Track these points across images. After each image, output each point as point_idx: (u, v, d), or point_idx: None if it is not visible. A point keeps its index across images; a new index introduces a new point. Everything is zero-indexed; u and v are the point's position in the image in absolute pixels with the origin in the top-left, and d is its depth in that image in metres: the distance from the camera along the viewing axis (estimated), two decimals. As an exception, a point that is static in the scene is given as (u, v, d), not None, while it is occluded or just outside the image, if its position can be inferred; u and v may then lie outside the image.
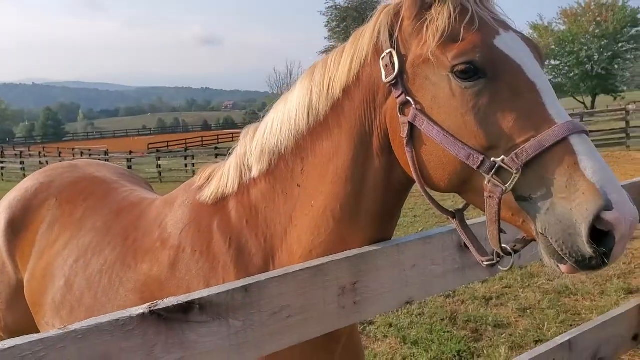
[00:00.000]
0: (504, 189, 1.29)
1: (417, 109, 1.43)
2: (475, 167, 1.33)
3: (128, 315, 1.12)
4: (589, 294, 6.11)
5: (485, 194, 1.33)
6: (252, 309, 1.29)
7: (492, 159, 1.31)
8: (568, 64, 54.60)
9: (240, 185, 1.85)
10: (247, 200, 1.82)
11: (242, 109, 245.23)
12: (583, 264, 1.24)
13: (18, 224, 2.63)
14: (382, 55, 1.52)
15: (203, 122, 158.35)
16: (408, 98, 1.45)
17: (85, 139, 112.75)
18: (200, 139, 68.03)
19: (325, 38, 68.59)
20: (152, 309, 1.15)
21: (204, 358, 1.23)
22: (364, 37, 1.60)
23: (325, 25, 67.36)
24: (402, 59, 1.49)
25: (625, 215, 1.18)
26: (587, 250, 1.21)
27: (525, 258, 1.86)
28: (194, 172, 31.37)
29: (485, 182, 1.32)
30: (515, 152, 1.28)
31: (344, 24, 64.16)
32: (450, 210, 1.58)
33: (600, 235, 1.20)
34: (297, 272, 1.37)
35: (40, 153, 45.23)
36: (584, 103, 56.11)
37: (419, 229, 9.42)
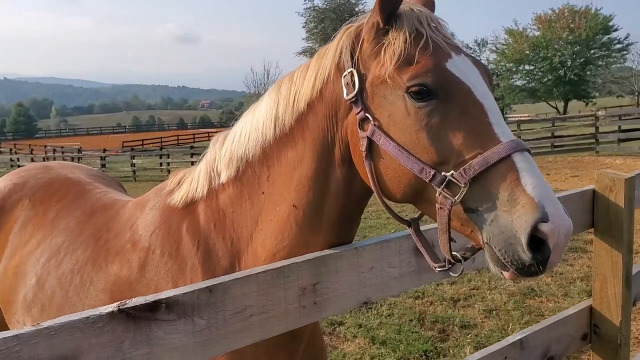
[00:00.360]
0: (453, 201, 1.40)
1: (375, 125, 1.53)
2: (427, 181, 1.43)
3: (98, 313, 1.20)
4: (553, 295, 6.29)
5: (437, 206, 1.43)
6: (216, 308, 1.37)
7: (443, 173, 1.41)
8: (542, 69, 55.45)
9: (209, 190, 1.93)
10: (216, 204, 1.90)
11: (218, 108, 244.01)
12: (523, 271, 1.35)
13: None
14: (344, 74, 1.61)
15: (179, 121, 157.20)
16: (367, 115, 1.54)
17: (58, 136, 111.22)
18: (176, 137, 67.56)
19: (303, 39, 68.66)
20: (120, 307, 1.23)
21: (170, 354, 1.31)
22: (328, 55, 1.69)
23: (303, 26, 67.43)
24: (362, 78, 1.59)
25: (560, 227, 1.29)
26: (526, 258, 1.31)
27: (475, 265, 1.97)
28: (169, 171, 31.12)
29: (437, 195, 1.43)
30: (463, 167, 1.39)
31: (322, 25, 64.33)
32: (406, 219, 1.68)
33: (539, 244, 1.31)
34: (259, 274, 1.46)
35: (11, 150, 44.51)
36: (556, 108, 57.04)
37: (392, 231, 9.56)
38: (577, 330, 2.51)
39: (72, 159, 32.23)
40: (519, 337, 2.26)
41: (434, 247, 1.66)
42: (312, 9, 66.30)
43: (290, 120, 1.74)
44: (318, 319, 1.66)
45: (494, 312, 5.90)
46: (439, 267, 1.59)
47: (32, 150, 44.41)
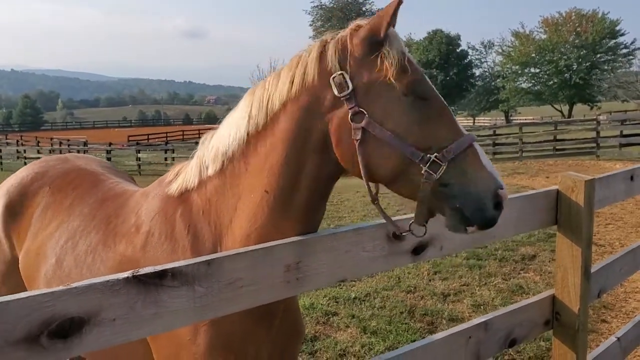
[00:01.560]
0: (435, 176, 1.78)
1: (369, 118, 1.85)
2: (417, 161, 1.79)
3: (116, 278, 1.47)
4: (539, 293, 6.54)
5: (422, 180, 1.79)
6: (212, 278, 1.65)
7: (428, 155, 1.79)
8: (547, 73, 55.56)
9: (199, 182, 2.21)
10: (204, 194, 2.18)
11: (224, 104, 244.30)
12: (488, 224, 1.81)
13: (15, 208, 2.97)
14: (333, 76, 1.90)
15: (185, 116, 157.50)
16: (361, 109, 1.86)
17: (64, 129, 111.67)
18: (181, 132, 67.82)
19: (310, 37, 68.84)
20: (134, 274, 1.50)
21: (173, 315, 1.58)
22: (310, 62, 1.97)
23: (310, 25, 67.71)
24: (353, 80, 1.89)
25: (506, 192, 1.84)
26: (492, 215, 1.80)
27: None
28: (173, 166, 31.44)
29: (422, 172, 1.79)
30: (443, 151, 1.79)
31: (329, 23, 64.60)
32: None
33: (498, 204, 1.81)
34: (250, 251, 1.73)
35: (18, 142, 44.87)
36: (561, 111, 57.15)
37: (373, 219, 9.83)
38: (540, 317, 2.77)
39: (78, 152, 32.57)
40: (483, 320, 2.53)
41: (404, 236, 2.00)
42: (319, 7, 66.55)
43: (264, 118, 2.02)
44: (300, 292, 1.93)
45: (481, 307, 6.16)
46: (405, 232, 1.96)
47: (38, 142, 44.78)
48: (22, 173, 3.14)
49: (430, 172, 1.78)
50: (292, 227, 1.98)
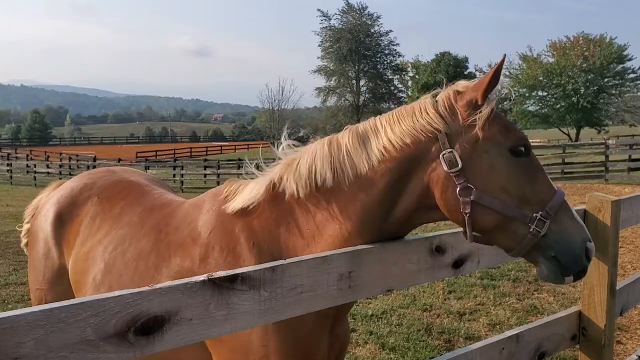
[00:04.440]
0: (542, 232, 1.93)
1: (477, 191, 1.96)
2: (526, 221, 1.93)
3: (194, 281, 1.60)
4: (553, 313, 6.62)
5: (529, 236, 1.94)
6: (276, 284, 1.77)
7: (534, 214, 1.93)
8: (555, 96, 55.64)
9: (268, 202, 2.29)
10: (271, 215, 2.27)
11: (231, 122, 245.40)
12: (580, 273, 1.98)
13: (65, 217, 3.12)
14: (443, 153, 2.00)
15: (192, 133, 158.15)
16: (469, 185, 1.97)
17: (72, 144, 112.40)
18: (189, 149, 68.24)
19: (318, 57, 69.48)
20: (209, 277, 1.63)
21: (241, 316, 1.70)
22: (419, 120, 2.08)
23: (319, 45, 68.31)
24: (461, 156, 2.00)
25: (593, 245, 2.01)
26: (585, 263, 1.96)
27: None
28: (182, 182, 31.75)
29: (531, 229, 1.93)
30: (546, 208, 1.94)
31: (337, 44, 65.18)
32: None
33: (588, 255, 1.98)
34: (309, 260, 1.86)
35: (27, 156, 45.25)
36: (568, 135, 57.17)
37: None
38: (568, 331, 2.88)
39: (88, 167, 32.85)
40: (515, 332, 2.64)
41: (445, 250, 2.11)
42: (328, 28, 67.17)
43: (370, 165, 2.12)
44: (352, 300, 2.05)
45: (497, 326, 6.24)
46: None
47: (47, 157, 45.18)
48: (72, 184, 3.30)
49: (538, 229, 1.92)
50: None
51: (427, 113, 2.07)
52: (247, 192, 2.36)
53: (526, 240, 1.94)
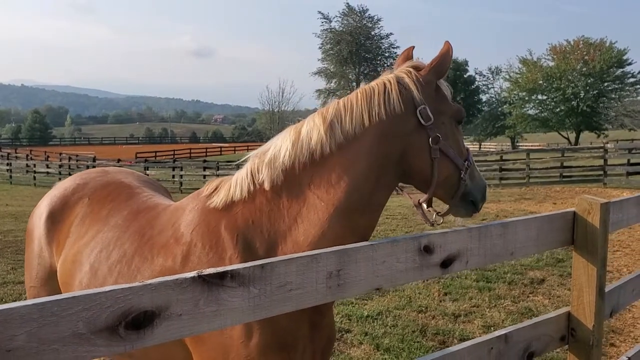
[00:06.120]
0: (466, 180, 2.45)
1: (442, 140, 2.38)
2: (462, 169, 2.42)
3: (184, 277, 1.64)
4: (548, 315, 6.66)
5: (462, 181, 2.43)
6: (265, 281, 1.80)
7: (465, 162, 2.45)
8: (554, 100, 55.70)
9: (248, 194, 2.38)
10: (254, 205, 2.36)
11: (231, 124, 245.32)
12: (480, 207, 2.53)
13: (57, 217, 3.14)
14: (419, 109, 2.35)
15: (191, 134, 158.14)
16: (437, 134, 2.36)
17: (72, 144, 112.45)
18: (188, 150, 68.26)
19: (319, 60, 69.52)
20: (199, 274, 1.67)
21: (231, 312, 1.73)
22: (393, 95, 2.35)
23: (320, 47, 68.36)
24: (432, 112, 2.37)
25: None
26: (486, 197, 2.56)
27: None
28: (181, 183, 31.80)
29: (463, 175, 2.43)
30: (467, 162, 2.45)
31: (338, 47, 65.24)
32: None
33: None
34: (298, 258, 1.89)
35: (27, 156, 45.30)
36: (568, 138, 57.24)
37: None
38: (557, 332, 2.91)
39: (87, 167, 32.88)
40: (504, 332, 2.67)
41: (434, 250, 2.20)
42: (329, 31, 67.22)
43: (344, 139, 2.32)
44: (340, 298, 2.09)
45: (492, 328, 6.28)
46: (431, 222, 2.55)
47: (47, 157, 45.21)
48: (66, 184, 3.32)
49: (464, 178, 2.43)
50: (369, 225, 2.39)
51: (402, 84, 2.39)
52: (228, 187, 2.44)
53: (460, 188, 2.42)
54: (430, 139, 2.35)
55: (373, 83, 2.44)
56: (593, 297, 2.84)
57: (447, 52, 2.44)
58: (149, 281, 1.58)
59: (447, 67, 2.46)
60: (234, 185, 2.43)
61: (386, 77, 2.44)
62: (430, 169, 2.37)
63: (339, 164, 2.29)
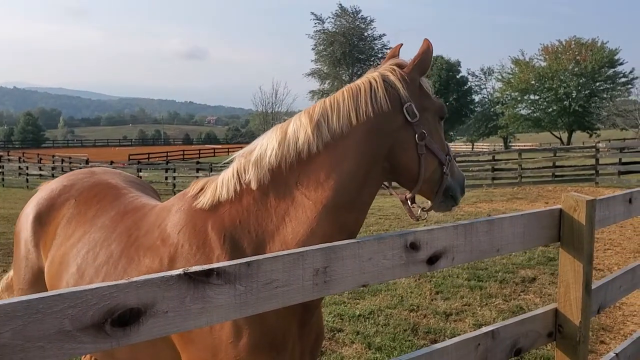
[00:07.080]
0: (447, 174, 2.48)
1: (428, 137, 2.40)
2: (445, 164, 2.45)
3: (169, 274, 1.65)
4: (539, 314, 6.70)
5: (444, 176, 2.47)
6: (251, 278, 1.82)
7: (447, 156, 2.47)
8: (547, 100, 55.98)
9: (235, 194, 2.38)
10: (241, 204, 2.35)
11: (224, 125, 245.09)
12: (459, 201, 2.57)
13: (44, 219, 3.14)
14: (405, 105, 2.37)
15: (185, 136, 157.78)
16: (423, 131, 2.38)
17: (65, 147, 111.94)
18: (181, 152, 68.13)
19: (312, 61, 69.52)
20: (185, 272, 1.68)
21: (217, 310, 1.75)
22: (380, 93, 2.37)
23: (313, 48, 68.35)
24: (418, 109, 2.40)
25: None
26: (464, 191, 2.59)
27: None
28: (174, 185, 31.74)
29: (445, 171, 2.46)
30: (448, 157, 2.48)
31: (331, 48, 65.25)
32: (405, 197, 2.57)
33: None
34: (284, 255, 1.91)
35: (20, 158, 45.04)
36: (560, 138, 57.48)
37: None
38: (544, 328, 2.94)
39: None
40: (491, 328, 2.69)
41: (420, 247, 2.20)
42: (322, 32, 67.23)
43: (330, 137, 2.33)
44: (327, 294, 2.10)
45: (483, 326, 6.27)
46: (416, 217, 2.57)
47: (40, 159, 44.98)
48: (52, 185, 3.32)
49: (446, 172, 2.47)
50: (357, 222, 2.40)
51: (387, 82, 2.42)
52: (214, 187, 2.44)
53: (443, 183, 2.47)
54: (416, 136, 2.37)
55: (359, 81, 2.46)
56: (580, 293, 2.87)
57: (427, 49, 2.47)
58: (135, 278, 1.60)
59: (428, 64, 2.49)
60: (220, 185, 2.43)
61: (371, 75, 2.45)
62: (417, 166, 2.39)
63: (327, 163, 2.30)
